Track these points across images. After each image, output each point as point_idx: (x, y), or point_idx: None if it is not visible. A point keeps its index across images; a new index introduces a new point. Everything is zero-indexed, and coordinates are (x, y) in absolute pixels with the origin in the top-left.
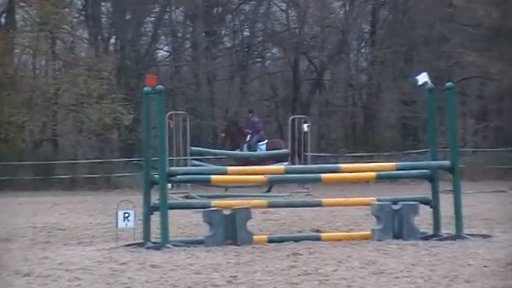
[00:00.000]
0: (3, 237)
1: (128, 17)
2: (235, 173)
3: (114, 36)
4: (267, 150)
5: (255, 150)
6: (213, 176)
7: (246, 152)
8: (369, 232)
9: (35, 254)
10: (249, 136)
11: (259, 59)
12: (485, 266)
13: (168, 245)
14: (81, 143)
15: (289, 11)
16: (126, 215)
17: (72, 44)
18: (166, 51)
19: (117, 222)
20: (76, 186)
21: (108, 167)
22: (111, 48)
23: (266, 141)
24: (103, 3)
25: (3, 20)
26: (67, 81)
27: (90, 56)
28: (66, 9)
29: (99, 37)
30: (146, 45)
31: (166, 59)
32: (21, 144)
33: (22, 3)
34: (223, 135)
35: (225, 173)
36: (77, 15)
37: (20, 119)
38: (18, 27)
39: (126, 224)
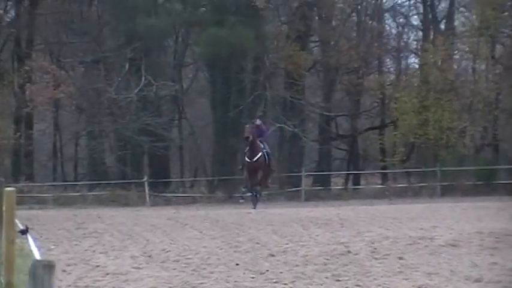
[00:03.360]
0: (450, 242)
1: None
2: None
3: None
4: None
5: (269, 159)
6: None
7: None
8: None
9: (484, 259)
10: (262, 144)
11: None
12: None
13: None
14: None
15: None
16: None
17: None
18: None
19: None
20: None
21: None
22: None
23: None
24: None
25: (443, 26)
26: (508, 85)
27: None
28: (506, 13)
29: None
30: None
31: None
32: (462, 150)
33: (462, 9)
34: (250, 138)
35: None
36: None
37: (460, 124)
38: (458, 32)
39: None
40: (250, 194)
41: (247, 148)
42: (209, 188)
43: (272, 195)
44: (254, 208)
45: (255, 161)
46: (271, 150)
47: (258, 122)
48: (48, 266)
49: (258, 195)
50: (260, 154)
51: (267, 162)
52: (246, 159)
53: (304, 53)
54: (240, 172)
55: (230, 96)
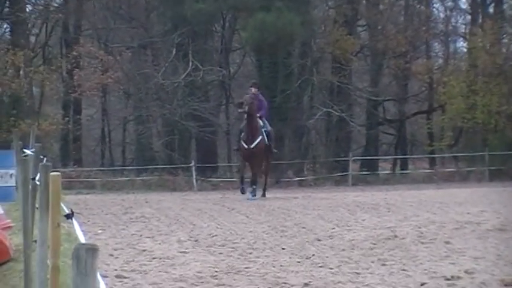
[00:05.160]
0: (498, 227)
1: None
2: None
3: None
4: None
5: (270, 140)
6: None
7: None
8: None
9: None
10: (261, 122)
11: None
12: None
13: None
14: None
15: None
16: None
17: None
18: None
19: None
20: None
21: None
22: None
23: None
24: None
25: (491, 10)
26: None
27: None
28: None
29: None
30: None
31: None
32: (510, 134)
33: None
34: (247, 110)
35: None
36: None
37: (509, 108)
38: (507, 16)
39: None
40: (242, 187)
41: (244, 127)
42: None
43: (319, 180)
44: (253, 197)
45: (254, 147)
46: (319, 135)
47: (254, 90)
48: (91, 250)
49: (255, 187)
50: (260, 138)
51: (268, 144)
52: (243, 144)
53: (352, 37)
54: (237, 154)
55: (277, 81)
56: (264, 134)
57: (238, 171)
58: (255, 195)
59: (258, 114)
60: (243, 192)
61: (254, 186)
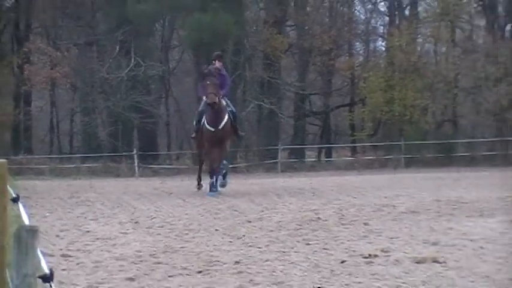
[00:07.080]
0: (411, 209)
1: None
2: None
3: (510, 24)
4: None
5: (235, 121)
6: None
7: None
8: None
9: (441, 225)
10: (225, 102)
11: None
12: None
13: None
14: (479, 123)
15: None
16: None
17: (470, 32)
18: None
19: None
20: (475, 163)
21: (505, 145)
22: (507, 35)
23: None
24: None
25: (407, 12)
26: (466, 66)
27: (488, 42)
28: (465, 0)
29: (495, 25)
30: None
31: None
32: (424, 125)
33: None
34: (217, 102)
35: None
36: (475, 5)
37: (423, 102)
38: (421, 18)
39: None
40: (200, 180)
41: (204, 110)
42: (194, 160)
43: (251, 167)
44: (214, 190)
45: (222, 128)
46: (251, 125)
47: (218, 64)
48: (31, 231)
49: (216, 179)
50: (226, 118)
51: (233, 124)
52: (207, 127)
53: (281, 36)
54: (194, 142)
55: None
56: (230, 115)
57: (198, 161)
58: (216, 189)
59: (221, 93)
60: (199, 187)
61: (213, 179)
